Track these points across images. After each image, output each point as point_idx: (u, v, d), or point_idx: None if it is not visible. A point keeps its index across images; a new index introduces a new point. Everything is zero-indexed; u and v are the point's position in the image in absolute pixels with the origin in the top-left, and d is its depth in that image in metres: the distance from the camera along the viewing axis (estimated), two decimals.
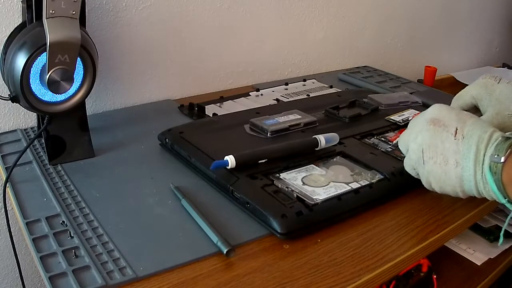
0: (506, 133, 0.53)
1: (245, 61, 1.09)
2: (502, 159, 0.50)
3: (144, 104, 0.96)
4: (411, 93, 1.01)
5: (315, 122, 0.79)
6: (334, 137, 0.71)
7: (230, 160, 0.61)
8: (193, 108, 0.91)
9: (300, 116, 0.80)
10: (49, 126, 0.69)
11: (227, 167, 0.62)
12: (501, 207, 0.95)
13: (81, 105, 0.69)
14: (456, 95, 0.72)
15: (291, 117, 0.79)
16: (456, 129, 0.55)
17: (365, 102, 0.89)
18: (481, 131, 0.54)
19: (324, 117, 0.84)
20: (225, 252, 0.52)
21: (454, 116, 0.57)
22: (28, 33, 0.63)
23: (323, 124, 0.80)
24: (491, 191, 0.52)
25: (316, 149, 0.70)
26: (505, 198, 0.52)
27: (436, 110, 0.59)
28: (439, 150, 0.56)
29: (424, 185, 0.61)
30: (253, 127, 0.76)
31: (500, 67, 1.61)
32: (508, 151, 0.50)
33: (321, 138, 0.69)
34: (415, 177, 0.62)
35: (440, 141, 0.56)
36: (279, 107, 0.93)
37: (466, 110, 0.64)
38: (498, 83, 0.69)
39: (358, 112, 0.84)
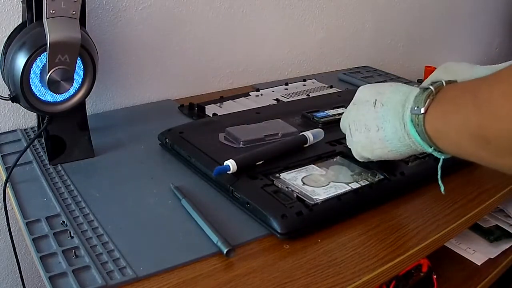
0: (423, 84, 0.54)
1: (245, 61, 1.09)
2: (422, 110, 0.50)
3: (144, 104, 0.96)
4: None
5: (295, 133, 0.74)
6: (320, 132, 0.72)
7: (232, 164, 0.61)
8: (193, 108, 0.91)
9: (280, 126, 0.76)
10: (49, 126, 0.69)
11: (228, 171, 0.62)
12: (500, 206, 0.95)
13: (81, 105, 0.69)
14: None
15: (270, 126, 0.76)
16: (375, 100, 0.58)
17: None
18: (400, 95, 0.55)
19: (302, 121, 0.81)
20: (225, 252, 0.52)
21: (374, 91, 0.59)
22: (28, 33, 0.63)
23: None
24: (416, 143, 0.53)
25: (305, 145, 0.70)
26: (431, 147, 0.52)
27: (359, 91, 0.62)
28: (362, 122, 0.59)
29: (356, 157, 0.63)
30: (227, 136, 0.73)
31: None
32: (427, 101, 0.50)
33: (309, 135, 0.70)
34: (360, 160, 0.63)
35: (362, 114, 0.59)
36: (279, 107, 0.93)
37: None
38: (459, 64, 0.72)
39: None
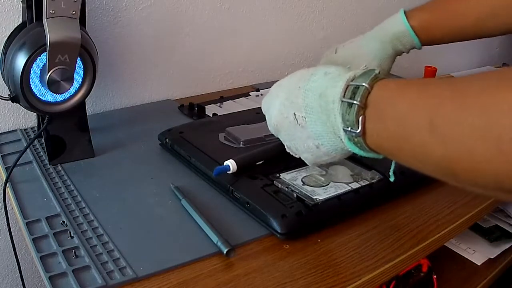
0: (342, 95, 0.43)
1: (245, 61, 1.09)
2: (358, 131, 0.41)
3: (144, 104, 0.96)
4: None
5: None
6: None
7: (232, 164, 0.61)
8: (193, 108, 0.91)
9: None
10: (49, 126, 0.69)
11: (228, 171, 0.61)
12: (500, 206, 0.95)
13: (81, 105, 0.69)
14: None
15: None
16: (294, 114, 0.49)
17: None
18: (317, 100, 0.46)
19: None
20: (225, 252, 0.52)
21: (284, 102, 0.50)
22: (28, 33, 0.63)
23: None
24: (363, 155, 0.45)
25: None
26: (380, 155, 0.44)
27: (268, 104, 0.54)
28: (298, 143, 0.50)
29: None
30: (227, 136, 0.73)
31: (500, 67, 1.61)
32: (360, 119, 0.41)
33: None
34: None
35: (292, 136, 0.51)
36: None
37: None
38: (336, 52, 0.71)
39: None
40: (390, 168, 0.65)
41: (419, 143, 0.36)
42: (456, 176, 0.35)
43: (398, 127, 0.39)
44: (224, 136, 0.73)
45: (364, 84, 0.41)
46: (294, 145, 0.52)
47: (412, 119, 0.37)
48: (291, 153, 0.54)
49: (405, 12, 0.69)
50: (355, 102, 0.41)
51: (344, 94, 0.43)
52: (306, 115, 0.47)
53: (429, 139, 0.35)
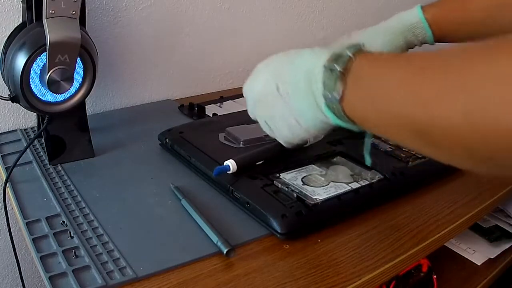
0: (326, 60, 0.44)
1: (245, 61, 1.09)
2: (337, 96, 0.42)
3: (144, 104, 0.96)
4: None
5: None
6: None
7: (231, 164, 0.61)
8: (193, 108, 0.91)
9: None
10: (49, 126, 0.69)
11: (228, 171, 0.61)
12: (500, 206, 0.95)
13: (81, 105, 0.69)
14: None
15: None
16: (277, 86, 0.49)
17: None
18: (301, 75, 0.47)
19: None
20: (225, 252, 0.52)
21: (269, 74, 0.51)
22: (28, 33, 0.63)
23: None
24: (341, 126, 0.46)
25: (305, 145, 0.70)
26: (356, 127, 0.45)
27: (254, 80, 0.54)
28: (277, 117, 0.51)
29: (284, 145, 0.56)
30: (227, 136, 0.73)
31: None
32: (338, 85, 0.42)
33: None
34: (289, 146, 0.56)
35: (272, 108, 0.51)
36: None
37: None
38: (350, 37, 0.69)
39: None
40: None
41: (400, 114, 0.37)
42: (424, 139, 0.36)
43: (378, 97, 0.40)
44: (224, 136, 0.73)
45: (347, 52, 0.42)
46: (272, 123, 0.52)
47: (387, 88, 0.38)
48: (267, 132, 0.55)
49: (421, 7, 0.69)
50: (336, 67, 0.42)
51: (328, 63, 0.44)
52: (290, 89, 0.48)
53: (411, 110, 0.36)
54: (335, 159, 0.70)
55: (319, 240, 0.56)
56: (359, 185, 0.63)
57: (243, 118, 0.80)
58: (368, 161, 0.56)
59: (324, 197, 0.59)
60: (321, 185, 0.62)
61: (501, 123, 0.30)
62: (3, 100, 0.66)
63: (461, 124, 0.32)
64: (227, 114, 0.86)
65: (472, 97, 0.32)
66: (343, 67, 0.42)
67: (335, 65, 0.42)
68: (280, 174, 0.64)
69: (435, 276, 0.79)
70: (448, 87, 0.33)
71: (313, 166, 0.67)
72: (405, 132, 0.38)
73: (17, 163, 0.66)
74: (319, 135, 0.51)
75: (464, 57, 0.34)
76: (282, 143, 0.55)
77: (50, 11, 0.60)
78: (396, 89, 0.38)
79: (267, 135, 0.71)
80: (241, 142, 0.70)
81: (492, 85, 0.30)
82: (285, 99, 0.49)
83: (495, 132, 0.30)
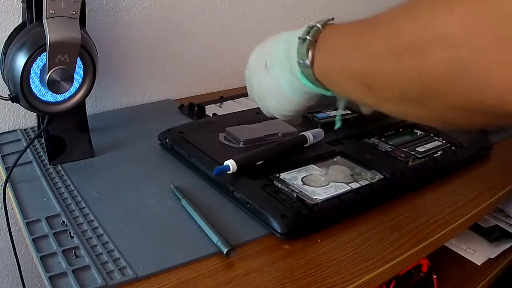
0: (301, 33, 0.51)
1: (245, 61, 1.09)
2: (308, 62, 0.49)
3: (144, 104, 0.96)
4: None
5: (295, 133, 0.74)
6: (320, 132, 0.73)
7: (231, 164, 0.61)
8: (193, 108, 0.91)
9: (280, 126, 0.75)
10: (49, 126, 0.69)
11: (228, 171, 0.61)
12: (500, 206, 0.95)
13: (81, 105, 0.69)
14: None
15: (270, 126, 0.75)
16: (265, 62, 0.56)
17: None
18: (282, 44, 0.54)
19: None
20: (225, 252, 0.52)
21: (262, 52, 0.59)
22: (28, 33, 0.63)
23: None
24: (313, 92, 0.52)
25: (305, 145, 0.70)
26: (329, 91, 0.51)
27: (250, 58, 0.62)
28: (264, 89, 0.57)
29: (277, 117, 0.61)
30: (227, 136, 0.73)
31: None
32: (309, 52, 0.48)
33: (309, 134, 0.70)
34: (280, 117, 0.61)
35: (261, 82, 0.58)
36: None
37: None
38: None
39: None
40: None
41: (352, 69, 0.44)
42: (371, 90, 0.42)
43: (336, 58, 0.47)
44: (224, 136, 0.73)
45: (317, 25, 0.49)
46: (262, 96, 0.58)
47: (343, 48, 0.46)
48: (260, 107, 0.61)
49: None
50: (307, 37, 0.49)
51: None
52: (271, 60, 0.55)
53: (361, 63, 0.43)
54: (335, 159, 0.70)
55: (319, 240, 0.56)
56: (359, 185, 0.63)
57: (243, 118, 0.80)
58: (338, 124, 0.60)
59: (324, 197, 0.59)
60: (321, 185, 0.62)
61: (428, 65, 0.35)
62: (3, 100, 0.66)
63: (395, 69, 0.38)
64: (227, 114, 0.86)
65: (403, 46, 0.38)
66: (313, 36, 0.49)
67: (307, 36, 0.49)
68: (280, 174, 0.64)
69: (435, 276, 0.79)
70: (387, 42, 0.40)
71: (313, 166, 0.67)
72: (355, 85, 0.44)
73: (17, 163, 0.66)
74: (303, 105, 0.55)
75: (392, 14, 0.42)
76: (276, 115, 0.59)
77: (50, 11, 0.60)
78: (350, 49, 0.45)
79: (267, 135, 0.72)
80: (241, 142, 0.70)
81: (416, 33, 0.36)
82: (269, 72, 0.56)
83: (422, 74, 0.36)
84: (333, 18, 0.50)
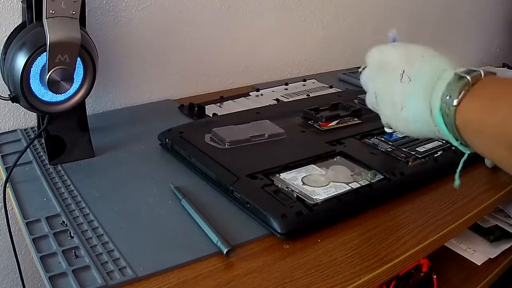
0: (460, 70, 0.48)
1: (245, 61, 1.09)
2: (455, 102, 0.46)
3: (144, 104, 0.96)
4: None
5: (282, 134, 0.74)
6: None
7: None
8: (193, 108, 0.91)
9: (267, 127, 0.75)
10: (49, 126, 0.69)
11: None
12: (500, 206, 0.95)
13: (81, 105, 0.69)
14: None
15: (256, 127, 0.75)
16: (403, 71, 0.53)
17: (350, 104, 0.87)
18: (431, 71, 0.51)
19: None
20: (225, 252, 0.52)
21: (403, 58, 0.55)
22: (28, 33, 0.63)
23: (297, 133, 0.77)
24: (441, 132, 0.49)
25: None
26: (458, 141, 0.48)
27: (386, 52, 0.59)
28: (388, 95, 0.56)
29: (385, 127, 0.61)
30: (213, 137, 0.72)
31: (500, 67, 1.61)
32: (462, 92, 0.46)
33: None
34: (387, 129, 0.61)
35: (388, 85, 0.55)
36: (279, 107, 0.93)
37: None
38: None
39: (337, 113, 0.83)
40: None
41: (498, 124, 0.42)
42: None
43: (490, 108, 0.44)
44: (210, 137, 0.72)
45: (480, 71, 0.47)
46: (381, 97, 0.57)
47: (502, 100, 0.43)
48: (371, 104, 0.60)
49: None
50: (467, 77, 0.46)
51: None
52: (413, 78, 0.52)
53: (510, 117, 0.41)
54: (335, 159, 0.70)
55: (319, 240, 0.56)
56: (359, 185, 0.63)
57: (243, 118, 0.80)
58: (457, 183, 0.56)
59: (324, 197, 0.59)
60: (321, 185, 0.62)
61: None
62: (3, 100, 0.66)
63: None
64: (227, 114, 0.86)
65: None
66: (473, 78, 0.46)
67: (467, 75, 0.46)
68: (280, 174, 0.64)
69: (435, 276, 0.79)
70: None
71: (313, 166, 0.67)
72: (504, 148, 0.42)
73: (17, 163, 0.66)
74: (413, 133, 0.55)
75: None
76: (382, 121, 0.59)
77: (50, 11, 0.60)
78: (509, 105, 0.42)
79: (253, 135, 0.71)
80: (226, 143, 0.70)
81: None
82: (404, 83, 0.53)
83: None
84: (495, 73, 0.48)
